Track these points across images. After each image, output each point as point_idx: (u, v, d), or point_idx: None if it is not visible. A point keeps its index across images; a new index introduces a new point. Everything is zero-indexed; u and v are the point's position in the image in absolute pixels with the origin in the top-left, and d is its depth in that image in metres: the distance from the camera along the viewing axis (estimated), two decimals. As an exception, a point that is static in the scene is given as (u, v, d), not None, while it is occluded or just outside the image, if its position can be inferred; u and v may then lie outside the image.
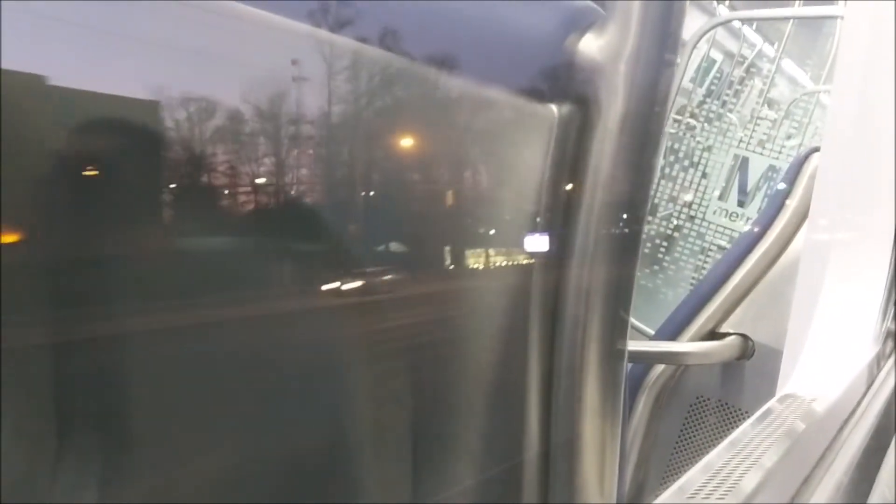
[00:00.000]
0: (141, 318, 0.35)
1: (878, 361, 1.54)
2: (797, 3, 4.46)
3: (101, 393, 0.35)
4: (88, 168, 0.34)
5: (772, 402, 1.29)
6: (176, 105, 0.36)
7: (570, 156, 0.54)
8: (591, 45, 0.53)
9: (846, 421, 1.25)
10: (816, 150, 1.75)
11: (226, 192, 0.40)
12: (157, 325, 0.36)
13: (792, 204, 1.73)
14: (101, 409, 0.35)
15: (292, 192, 0.45)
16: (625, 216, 0.55)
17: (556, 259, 0.55)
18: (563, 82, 0.54)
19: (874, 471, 1.25)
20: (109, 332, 0.35)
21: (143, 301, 0.35)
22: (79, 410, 0.34)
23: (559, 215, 0.55)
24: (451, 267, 0.53)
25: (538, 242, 0.56)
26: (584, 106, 0.53)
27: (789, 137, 3.21)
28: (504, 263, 0.55)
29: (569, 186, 0.55)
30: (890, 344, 1.65)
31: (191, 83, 0.37)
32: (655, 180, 3.24)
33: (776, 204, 1.77)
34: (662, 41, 0.55)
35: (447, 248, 0.54)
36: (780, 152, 3.16)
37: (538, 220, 0.55)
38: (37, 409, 0.33)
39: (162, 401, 0.37)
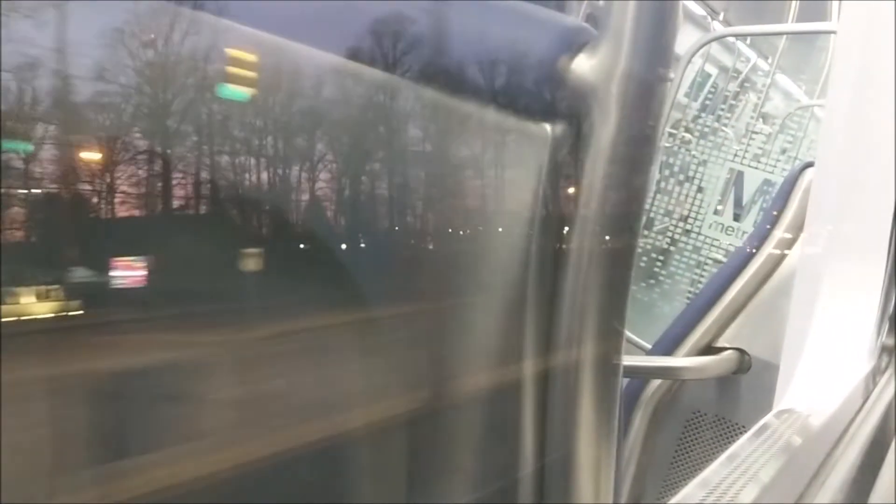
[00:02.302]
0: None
1: (874, 376, 1.54)
2: (791, 7, 4.49)
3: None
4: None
5: (768, 417, 1.29)
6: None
7: (564, 174, 0.55)
8: (583, 66, 0.54)
9: (842, 435, 1.26)
10: (810, 164, 1.76)
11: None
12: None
13: (787, 218, 1.74)
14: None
15: (295, 202, 0.45)
16: (618, 232, 0.56)
17: (551, 275, 0.55)
18: (557, 102, 0.54)
19: (870, 485, 1.25)
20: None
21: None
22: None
23: (553, 232, 0.55)
24: (446, 283, 0.53)
25: (533, 259, 0.56)
26: (577, 125, 0.54)
27: (784, 151, 3.22)
28: (498, 279, 0.55)
29: (563, 203, 0.55)
30: (885, 359, 1.65)
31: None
32: (650, 195, 3.25)
33: (771, 218, 1.77)
34: (654, 61, 0.55)
35: (443, 264, 0.54)
36: (774, 166, 3.17)
37: (533, 236, 0.56)
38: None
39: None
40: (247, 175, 0.42)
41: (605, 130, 0.53)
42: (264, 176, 0.42)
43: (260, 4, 0.45)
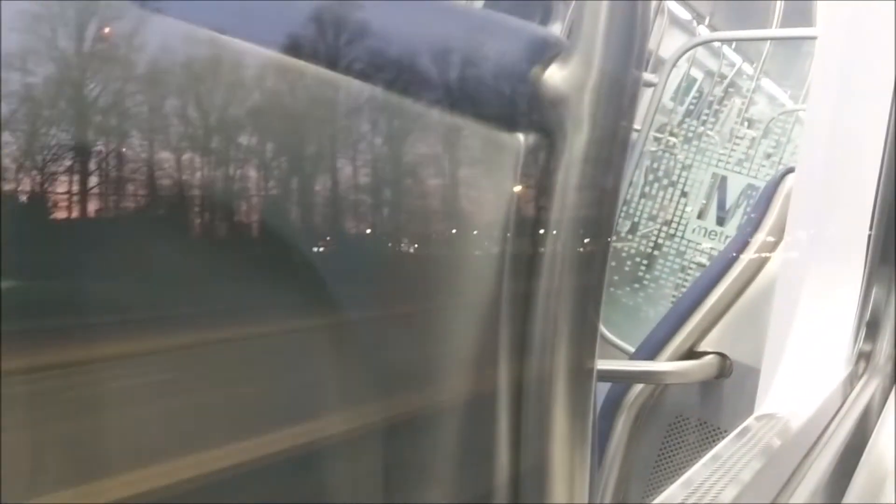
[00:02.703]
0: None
1: (851, 381, 1.55)
2: (776, 11, 4.51)
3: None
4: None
5: (750, 421, 1.31)
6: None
7: (537, 182, 0.55)
8: (555, 76, 0.54)
9: (819, 438, 1.27)
10: (792, 170, 1.77)
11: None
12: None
13: (768, 223, 1.75)
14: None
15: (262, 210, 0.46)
16: (591, 239, 0.56)
17: (524, 284, 0.56)
18: (529, 112, 0.55)
19: (845, 485, 1.26)
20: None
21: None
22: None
23: (526, 241, 0.56)
24: (417, 292, 0.54)
25: (507, 267, 0.57)
26: (549, 135, 0.54)
27: (768, 156, 3.23)
28: (471, 288, 0.56)
29: (536, 212, 0.56)
30: (862, 365, 1.67)
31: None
32: (633, 199, 3.26)
33: (753, 223, 1.78)
34: (626, 71, 0.56)
35: (415, 273, 0.55)
36: (758, 171, 3.19)
37: (505, 245, 0.56)
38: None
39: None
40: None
41: (577, 140, 0.54)
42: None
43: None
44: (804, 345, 1.50)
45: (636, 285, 3.23)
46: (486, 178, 0.58)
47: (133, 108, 0.40)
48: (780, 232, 1.70)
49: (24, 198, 0.36)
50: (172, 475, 0.39)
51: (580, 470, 0.59)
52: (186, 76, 0.43)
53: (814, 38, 2.82)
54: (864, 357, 1.68)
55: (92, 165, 0.38)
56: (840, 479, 1.23)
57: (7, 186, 0.35)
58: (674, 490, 0.94)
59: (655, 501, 0.90)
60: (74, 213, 0.37)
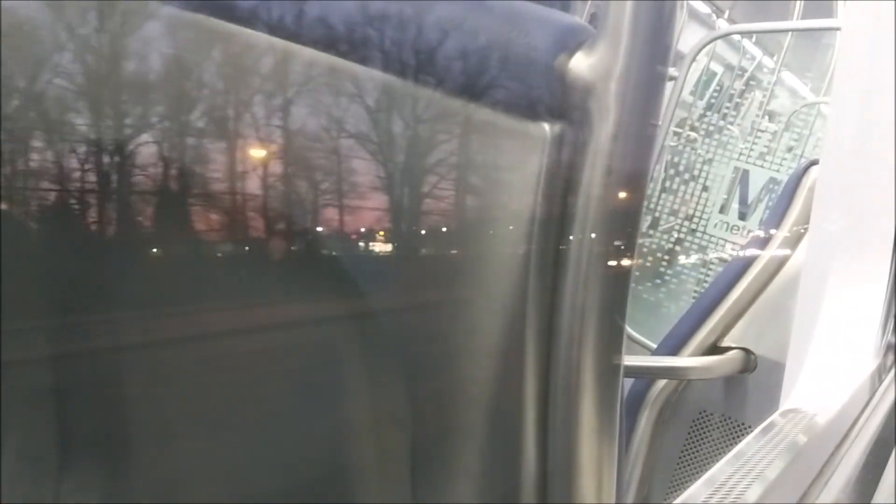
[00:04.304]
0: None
1: (879, 374, 1.53)
2: (796, 5, 4.48)
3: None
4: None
5: (774, 416, 1.29)
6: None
7: (563, 173, 0.55)
8: (581, 64, 0.53)
9: (847, 433, 1.25)
10: (815, 162, 1.75)
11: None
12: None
13: (792, 216, 1.73)
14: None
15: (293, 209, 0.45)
16: (618, 231, 0.56)
17: (550, 276, 0.55)
18: (554, 101, 0.54)
19: (875, 482, 1.24)
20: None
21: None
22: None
23: (552, 232, 0.55)
24: (444, 285, 0.53)
25: (532, 260, 0.56)
26: (575, 124, 0.54)
27: (790, 150, 3.21)
28: (497, 281, 0.55)
29: (562, 203, 0.55)
30: (891, 357, 1.65)
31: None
32: (654, 194, 3.24)
33: (776, 217, 1.77)
34: (653, 59, 0.55)
35: (439, 267, 0.54)
36: (780, 164, 3.17)
37: (531, 237, 0.55)
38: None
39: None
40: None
41: (603, 129, 0.53)
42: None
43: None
44: (830, 338, 1.48)
45: (657, 281, 3.21)
46: (510, 169, 0.57)
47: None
48: (803, 225, 1.69)
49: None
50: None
51: (608, 466, 0.58)
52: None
53: (836, 29, 2.80)
54: (892, 349, 1.66)
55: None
56: (870, 475, 1.21)
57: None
58: (696, 489, 0.93)
59: (678, 500, 0.89)
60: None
